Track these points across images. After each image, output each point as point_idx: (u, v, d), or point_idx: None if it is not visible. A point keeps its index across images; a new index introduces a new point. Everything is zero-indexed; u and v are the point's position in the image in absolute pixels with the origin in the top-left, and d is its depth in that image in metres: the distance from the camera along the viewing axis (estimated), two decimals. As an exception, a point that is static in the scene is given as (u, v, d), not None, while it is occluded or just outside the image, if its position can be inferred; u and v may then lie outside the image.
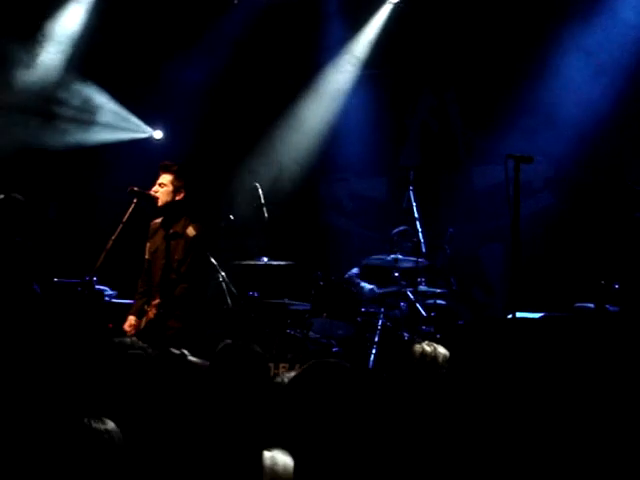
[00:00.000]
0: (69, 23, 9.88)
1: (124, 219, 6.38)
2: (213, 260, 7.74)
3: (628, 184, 7.07)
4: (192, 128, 10.56)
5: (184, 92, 10.34)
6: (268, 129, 10.76)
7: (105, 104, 10.25)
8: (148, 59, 10.30)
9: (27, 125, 9.75)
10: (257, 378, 3.40)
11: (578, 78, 9.01)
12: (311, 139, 10.65)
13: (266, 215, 8.09)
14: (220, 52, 10.09)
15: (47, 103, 9.99)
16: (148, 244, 6.70)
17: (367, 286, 8.72)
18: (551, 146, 9.22)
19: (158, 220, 6.71)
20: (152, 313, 6.35)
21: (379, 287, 8.72)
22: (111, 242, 6.25)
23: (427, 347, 4.14)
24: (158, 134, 10.91)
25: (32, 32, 9.67)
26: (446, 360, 4.15)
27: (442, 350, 4.19)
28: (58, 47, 9.76)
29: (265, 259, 8.54)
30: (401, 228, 8.91)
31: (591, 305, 6.92)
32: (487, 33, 9.74)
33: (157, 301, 6.35)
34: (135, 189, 6.48)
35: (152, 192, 6.52)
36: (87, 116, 10.20)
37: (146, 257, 6.70)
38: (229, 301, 8.34)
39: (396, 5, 10.15)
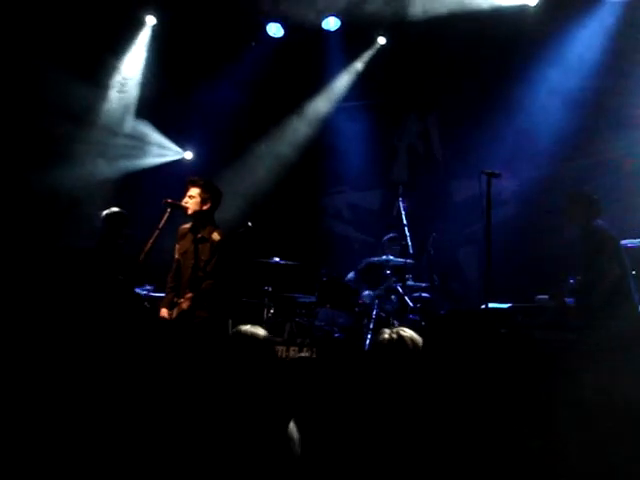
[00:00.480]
0: (132, 65, 10.03)
1: (160, 226, 6.44)
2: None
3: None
4: (215, 148, 10.59)
5: (210, 117, 10.39)
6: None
7: (150, 134, 10.37)
8: (179, 89, 10.34)
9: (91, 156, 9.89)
10: (263, 358, 3.41)
11: (541, 109, 9.09)
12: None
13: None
14: (239, 83, 10.13)
15: (109, 136, 10.11)
16: (177, 246, 6.75)
17: (365, 292, 8.80)
18: (516, 164, 9.30)
19: (186, 225, 6.77)
20: (185, 304, 6.39)
21: (374, 290, 8.79)
22: (150, 244, 6.31)
23: (393, 335, 3.96)
24: (188, 155, 10.99)
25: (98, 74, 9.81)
26: (417, 344, 3.99)
27: (410, 335, 4.00)
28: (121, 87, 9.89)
29: (277, 259, 8.63)
30: (390, 235, 9.00)
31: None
32: (464, 68, 9.81)
33: (189, 295, 6.39)
34: (169, 200, 6.54)
35: (183, 203, 6.59)
36: (139, 146, 10.32)
37: (176, 257, 6.74)
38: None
39: (384, 46, 10.27)
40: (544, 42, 9.18)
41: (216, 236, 6.59)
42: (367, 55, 10.44)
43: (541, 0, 9.08)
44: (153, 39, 10.06)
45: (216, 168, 10.20)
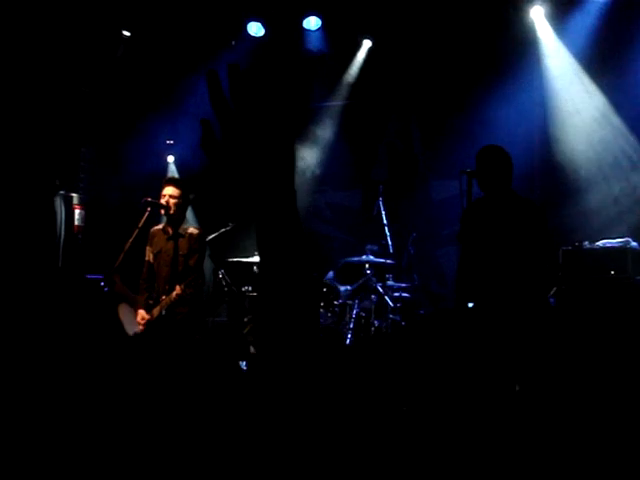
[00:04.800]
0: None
1: (139, 225, 6.47)
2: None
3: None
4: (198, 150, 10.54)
5: (192, 117, 10.36)
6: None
7: None
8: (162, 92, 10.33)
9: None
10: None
11: (507, 115, 9.20)
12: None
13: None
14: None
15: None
16: (148, 247, 6.81)
17: (342, 287, 8.79)
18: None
19: (158, 227, 6.86)
20: (175, 294, 6.37)
21: (351, 285, 8.80)
22: (128, 244, 6.32)
23: None
24: (171, 158, 10.98)
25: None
26: None
27: None
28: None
29: (257, 258, 8.63)
30: (374, 248, 8.97)
31: None
32: (441, 71, 9.85)
33: (178, 291, 6.37)
34: (149, 199, 6.58)
35: (164, 202, 6.61)
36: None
37: (146, 259, 6.81)
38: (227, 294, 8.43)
39: (369, 50, 10.31)
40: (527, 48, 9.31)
41: (194, 230, 6.72)
42: (349, 55, 10.46)
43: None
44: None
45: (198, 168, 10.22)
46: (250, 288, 8.52)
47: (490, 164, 5.63)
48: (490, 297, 5.44)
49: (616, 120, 8.84)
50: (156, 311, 6.49)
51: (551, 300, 6.81)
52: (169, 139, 10.79)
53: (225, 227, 8.23)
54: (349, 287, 8.76)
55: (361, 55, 10.40)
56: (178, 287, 6.33)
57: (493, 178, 5.60)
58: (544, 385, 5.05)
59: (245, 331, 8.01)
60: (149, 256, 6.81)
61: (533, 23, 9.23)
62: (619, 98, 8.77)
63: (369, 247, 8.89)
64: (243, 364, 6.57)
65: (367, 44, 10.31)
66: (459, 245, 5.91)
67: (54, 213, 9.01)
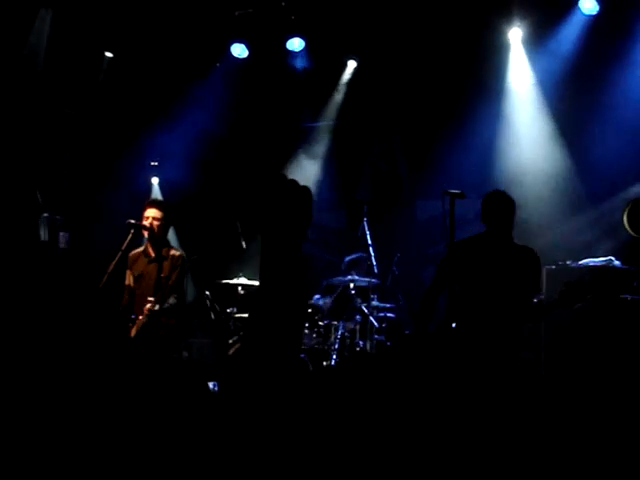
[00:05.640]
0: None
1: (123, 247, 6.47)
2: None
3: None
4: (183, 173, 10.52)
5: (178, 140, 10.38)
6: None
7: None
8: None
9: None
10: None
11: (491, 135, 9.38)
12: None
13: (243, 244, 8.07)
14: (206, 105, 10.15)
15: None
16: (129, 271, 6.83)
17: (320, 300, 8.77)
18: (479, 185, 9.38)
19: (137, 250, 6.91)
20: (146, 309, 6.38)
21: (330, 296, 8.78)
22: (112, 266, 6.31)
23: None
24: (155, 180, 10.98)
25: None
26: None
27: None
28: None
29: (243, 279, 8.60)
30: (353, 256, 8.99)
31: None
32: (425, 91, 9.91)
33: (149, 307, 6.38)
34: (132, 222, 6.58)
35: (147, 224, 6.62)
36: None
37: (127, 283, 6.83)
38: (212, 315, 8.42)
39: (353, 71, 10.37)
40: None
41: (175, 252, 6.77)
42: (333, 76, 10.50)
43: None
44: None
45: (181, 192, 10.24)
46: (235, 309, 8.48)
47: (495, 209, 5.82)
48: (475, 321, 5.53)
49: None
50: (133, 331, 6.49)
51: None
52: (153, 160, 10.77)
53: (209, 249, 8.23)
54: (327, 299, 8.73)
55: (345, 76, 10.45)
56: (148, 304, 6.36)
57: (497, 222, 5.79)
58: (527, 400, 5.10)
59: (230, 352, 7.98)
60: (129, 279, 6.83)
61: (509, 45, 9.34)
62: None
63: (347, 259, 8.91)
64: (213, 385, 6.54)
65: (352, 64, 10.36)
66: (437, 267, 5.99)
67: (37, 235, 8.98)
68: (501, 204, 5.84)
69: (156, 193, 10.86)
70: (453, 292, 5.73)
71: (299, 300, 6.05)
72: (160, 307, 6.35)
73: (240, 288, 8.54)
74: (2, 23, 8.70)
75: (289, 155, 10.69)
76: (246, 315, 8.28)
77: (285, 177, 6.16)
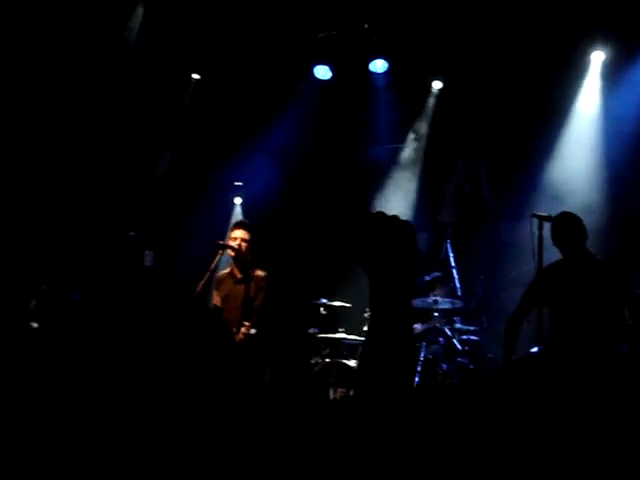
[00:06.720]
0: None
1: (211, 267, 6.58)
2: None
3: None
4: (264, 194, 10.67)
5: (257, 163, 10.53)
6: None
7: None
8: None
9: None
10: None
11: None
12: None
13: (326, 264, 8.14)
14: (290, 128, 10.30)
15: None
16: (215, 292, 6.94)
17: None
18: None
19: (224, 271, 6.98)
20: (242, 333, 6.49)
21: (421, 325, 8.75)
22: (201, 286, 6.43)
23: None
24: (238, 200, 11.16)
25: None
26: None
27: None
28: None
29: (324, 300, 8.65)
30: (432, 276, 8.95)
31: None
32: (508, 113, 9.86)
33: (245, 331, 6.49)
34: (221, 242, 6.71)
35: (235, 245, 6.75)
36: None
37: (214, 303, 6.95)
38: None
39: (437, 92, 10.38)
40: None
41: (260, 273, 6.82)
42: (416, 98, 10.55)
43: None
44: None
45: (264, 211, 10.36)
46: (317, 330, 8.54)
47: (565, 231, 5.89)
48: (566, 345, 5.49)
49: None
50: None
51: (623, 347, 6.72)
52: (237, 181, 10.95)
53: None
54: (417, 326, 8.71)
55: (429, 97, 10.49)
56: (244, 327, 6.44)
57: (569, 243, 5.86)
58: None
59: (315, 370, 8.01)
60: (216, 300, 6.92)
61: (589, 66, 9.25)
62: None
63: (426, 278, 8.88)
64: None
65: (436, 85, 10.39)
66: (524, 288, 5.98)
67: (125, 254, 9.21)
68: (570, 225, 5.87)
69: (238, 213, 11.04)
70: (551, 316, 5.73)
71: (412, 348, 6.06)
72: (257, 332, 6.45)
73: (322, 309, 8.59)
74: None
75: (373, 176, 10.74)
76: (329, 335, 8.36)
77: (384, 215, 6.17)
